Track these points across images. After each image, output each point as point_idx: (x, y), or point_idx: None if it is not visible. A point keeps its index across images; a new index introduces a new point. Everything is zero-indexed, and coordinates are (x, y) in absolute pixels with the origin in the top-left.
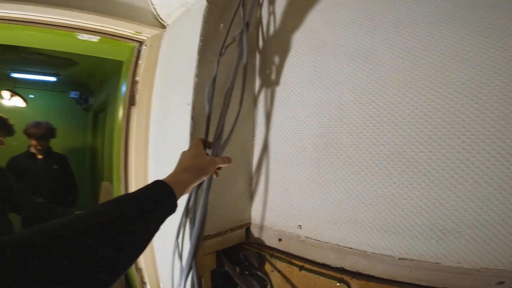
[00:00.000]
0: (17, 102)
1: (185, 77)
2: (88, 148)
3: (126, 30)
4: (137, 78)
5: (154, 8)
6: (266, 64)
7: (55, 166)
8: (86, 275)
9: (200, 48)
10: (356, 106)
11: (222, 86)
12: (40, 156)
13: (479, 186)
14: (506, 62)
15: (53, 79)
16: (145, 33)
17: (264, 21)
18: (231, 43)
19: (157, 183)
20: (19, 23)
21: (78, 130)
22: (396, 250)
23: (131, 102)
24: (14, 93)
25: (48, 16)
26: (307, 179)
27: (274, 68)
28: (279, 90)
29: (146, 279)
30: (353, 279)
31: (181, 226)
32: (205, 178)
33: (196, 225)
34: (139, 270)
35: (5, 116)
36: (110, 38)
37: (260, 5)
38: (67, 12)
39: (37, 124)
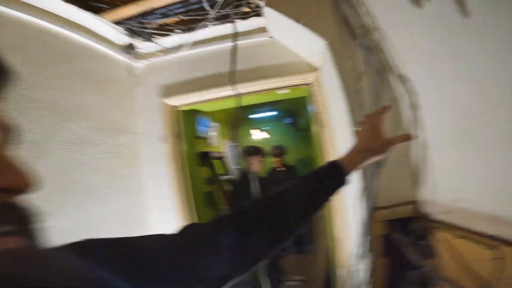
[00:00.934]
0: (264, 135)
1: (340, 103)
2: (305, 158)
3: (298, 81)
4: (318, 109)
5: (303, 60)
6: (400, 77)
7: (291, 173)
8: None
9: (342, 85)
10: (472, 96)
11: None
12: (282, 169)
13: None
14: None
15: (274, 113)
16: (308, 79)
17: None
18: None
19: (330, 164)
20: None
21: (298, 145)
22: None
23: (321, 125)
24: (261, 130)
25: (261, 88)
26: (452, 160)
27: (406, 79)
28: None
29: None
30: (508, 246)
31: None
32: (380, 158)
33: (370, 198)
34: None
35: (260, 145)
36: (293, 87)
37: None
38: (271, 80)
39: (276, 147)
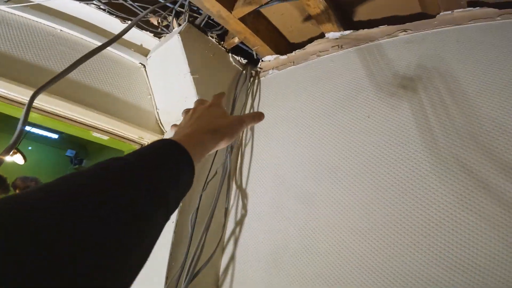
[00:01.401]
0: (17, 159)
1: None
2: None
3: (131, 135)
4: None
5: (157, 113)
6: (241, 189)
7: None
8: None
9: None
10: (297, 238)
11: (205, 210)
12: None
13: None
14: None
15: (55, 136)
16: (146, 138)
17: (243, 144)
18: (213, 176)
19: (167, 143)
20: (45, 114)
21: None
22: None
23: None
24: (17, 150)
25: (70, 113)
26: (259, 280)
27: (247, 193)
28: (248, 215)
29: None
30: None
31: None
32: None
33: None
34: None
35: (4, 176)
36: (118, 139)
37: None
38: (85, 111)
39: (25, 179)
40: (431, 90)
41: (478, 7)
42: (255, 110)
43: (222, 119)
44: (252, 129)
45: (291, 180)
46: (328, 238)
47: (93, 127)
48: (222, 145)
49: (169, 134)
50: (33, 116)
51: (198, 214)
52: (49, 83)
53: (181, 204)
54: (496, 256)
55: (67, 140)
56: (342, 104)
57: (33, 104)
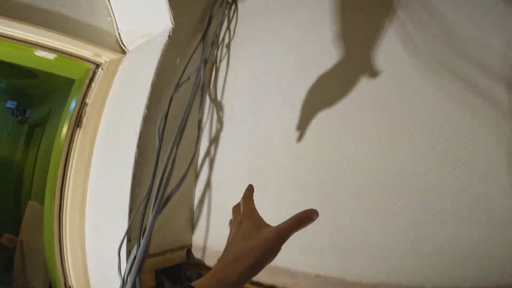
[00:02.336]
0: None
1: (136, 106)
2: (17, 162)
3: (85, 52)
4: (87, 101)
5: (119, 33)
6: (215, 101)
7: None
8: None
9: (154, 81)
10: (283, 142)
11: (176, 122)
12: None
13: (364, 211)
14: None
15: None
16: (104, 56)
17: (219, 60)
18: (185, 81)
19: None
20: None
21: (8, 142)
22: (311, 267)
23: (77, 123)
24: None
25: (6, 29)
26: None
27: (222, 105)
28: (225, 127)
29: None
30: None
31: (122, 244)
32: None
33: (142, 244)
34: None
35: None
36: (67, 57)
37: (218, 45)
38: (27, 27)
39: None
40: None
41: None
42: (232, 28)
43: (254, 238)
44: (229, 46)
45: (273, 81)
46: (319, 138)
47: (37, 44)
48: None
49: (132, 52)
50: None
51: (167, 125)
52: None
53: (146, 111)
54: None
55: (6, 90)
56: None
57: None
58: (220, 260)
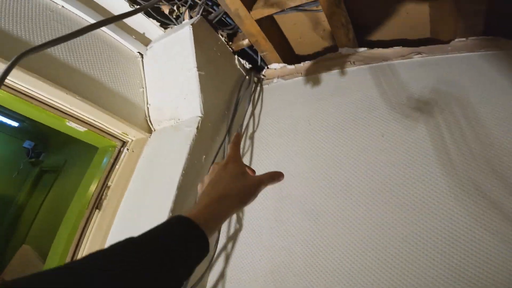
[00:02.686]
0: None
1: (161, 203)
2: (18, 204)
3: (115, 129)
4: (109, 183)
5: (147, 108)
6: None
7: None
8: None
9: (180, 183)
10: (302, 256)
11: None
12: None
13: None
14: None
15: (15, 124)
16: (131, 135)
17: (242, 152)
18: None
19: (179, 220)
20: (17, 93)
21: (16, 182)
22: None
23: (96, 206)
24: None
25: (44, 95)
26: None
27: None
28: (243, 229)
29: None
30: None
31: None
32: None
33: None
34: None
35: None
36: (97, 132)
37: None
38: (63, 95)
39: None
40: (447, 114)
41: (491, 36)
42: (257, 118)
43: (238, 180)
44: (252, 139)
45: (297, 194)
46: (338, 255)
47: (70, 115)
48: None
49: (159, 135)
50: (1, 96)
51: None
52: (33, 49)
53: (172, 205)
54: None
55: (27, 130)
56: (354, 120)
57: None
58: (205, 194)
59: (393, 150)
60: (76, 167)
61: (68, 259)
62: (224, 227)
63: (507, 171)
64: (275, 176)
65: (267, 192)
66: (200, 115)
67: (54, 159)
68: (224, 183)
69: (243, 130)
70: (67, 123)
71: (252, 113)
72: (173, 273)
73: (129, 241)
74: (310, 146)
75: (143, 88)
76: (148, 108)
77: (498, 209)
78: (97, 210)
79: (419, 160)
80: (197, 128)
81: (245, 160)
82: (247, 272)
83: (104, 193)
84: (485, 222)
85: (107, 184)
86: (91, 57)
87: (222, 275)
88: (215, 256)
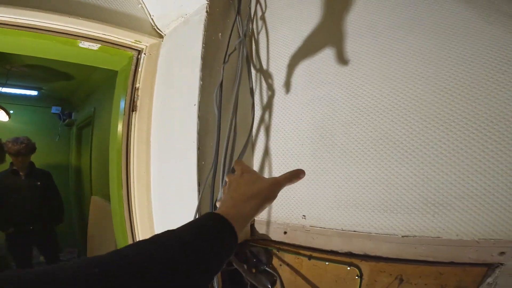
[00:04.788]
0: (1, 116)
1: (189, 81)
2: (73, 163)
3: (127, 39)
4: (137, 85)
5: (152, 19)
6: (262, 71)
7: (39, 183)
8: None
9: (203, 54)
10: (344, 100)
11: (228, 92)
12: (22, 173)
13: (458, 159)
14: (459, 58)
15: (34, 93)
16: (144, 42)
17: (257, 32)
18: (232, 52)
19: (212, 217)
20: (19, 28)
21: (62, 146)
22: (398, 228)
23: (132, 108)
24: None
25: (52, 23)
26: (307, 170)
27: (270, 73)
28: (277, 93)
29: None
30: (362, 262)
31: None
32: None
33: None
34: None
35: None
36: (111, 46)
37: (252, 19)
38: (71, 19)
39: (15, 140)
40: None
41: None
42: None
43: (259, 183)
44: (263, 18)
45: (325, 45)
46: (386, 88)
47: (80, 36)
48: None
49: (171, 35)
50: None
51: (223, 95)
52: None
53: (200, 82)
54: None
55: (48, 96)
56: None
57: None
58: (228, 198)
59: None
60: (105, 109)
61: (123, 171)
62: (257, 96)
63: None
64: (292, 177)
65: (292, 48)
66: (206, 2)
67: (84, 113)
68: (245, 187)
69: (251, 12)
70: (80, 44)
71: None
72: (207, 265)
73: (172, 236)
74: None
75: (140, 3)
76: (152, 19)
77: None
78: (133, 113)
79: None
80: (206, 11)
81: (261, 44)
82: (291, 136)
83: (135, 95)
84: None
85: (135, 86)
86: None
87: (266, 151)
88: (254, 130)
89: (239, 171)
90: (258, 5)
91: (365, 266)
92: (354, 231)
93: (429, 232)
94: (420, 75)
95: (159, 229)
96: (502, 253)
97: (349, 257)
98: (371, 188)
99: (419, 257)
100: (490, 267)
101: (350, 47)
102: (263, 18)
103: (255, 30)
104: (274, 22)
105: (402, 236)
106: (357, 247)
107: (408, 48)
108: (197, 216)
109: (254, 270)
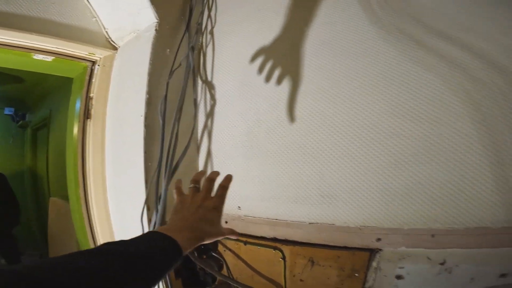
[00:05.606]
0: None
1: (137, 94)
2: (28, 165)
3: (81, 52)
4: (91, 95)
5: (106, 32)
6: (207, 82)
7: None
8: None
9: (150, 70)
10: (267, 111)
11: (174, 103)
12: None
13: (343, 160)
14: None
15: None
16: (98, 54)
17: (205, 45)
18: (178, 67)
19: (154, 233)
20: None
21: (16, 148)
22: (306, 216)
23: (87, 116)
24: None
25: (7, 38)
26: (239, 169)
27: (214, 84)
28: (218, 103)
29: None
30: (283, 246)
31: (143, 212)
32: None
33: (159, 209)
34: None
35: None
36: (65, 58)
37: (202, 33)
38: (25, 34)
39: None
40: None
41: None
42: (213, 16)
43: (209, 225)
44: (212, 33)
45: (257, 61)
46: (299, 104)
47: (35, 49)
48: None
49: (124, 48)
50: None
51: (168, 106)
52: None
53: (147, 95)
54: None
55: (1, 98)
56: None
57: None
58: (178, 219)
59: None
60: (61, 111)
61: (79, 173)
62: (202, 105)
63: (423, 11)
64: (234, 233)
65: (233, 64)
66: (156, 20)
67: (39, 114)
68: (196, 221)
69: (202, 27)
70: (34, 57)
71: (209, 11)
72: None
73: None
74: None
75: (95, 17)
76: (107, 32)
77: (418, 42)
78: (88, 120)
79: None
80: (156, 30)
81: (209, 48)
82: (227, 141)
83: (90, 103)
84: (410, 54)
85: (89, 95)
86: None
87: (209, 153)
88: (199, 135)
89: (201, 197)
90: (209, 20)
91: (286, 249)
92: (276, 219)
93: (327, 220)
94: (324, 90)
95: (116, 225)
96: (378, 239)
97: (274, 242)
98: (285, 184)
99: (323, 241)
100: (372, 252)
101: (275, 64)
102: (211, 32)
103: (204, 44)
104: (221, 36)
105: (309, 223)
106: (279, 233)
107: (316, 67)
108: (145, 209)
109: (204, 257)
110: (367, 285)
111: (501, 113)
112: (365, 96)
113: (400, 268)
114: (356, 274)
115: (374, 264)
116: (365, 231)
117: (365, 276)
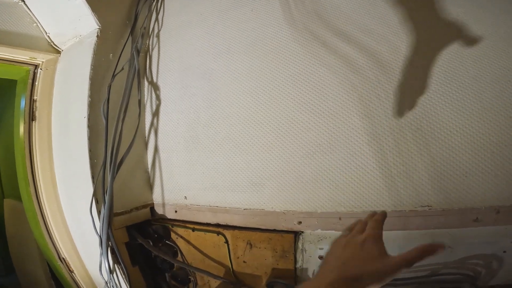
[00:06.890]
0: None
1: (80, 96)
2: None
3: (21, 57)
4: (35, 97)
5: (48, 36)
6: (153, 83)
7: None
8: None
9: (92, 75)
10: (205, 109)
11: (117, 104)
12: None
13: (264, 149)
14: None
15: None
16: (40, 58)
17: (151, 48)
18: (120, 71)
19: None
20: None
21: None
22: (241, 203)
23: (31, 118)
24: None
25: None
26: (183, 162)
27: (159, 85)
28: (163, 102)
29: (72, 267)
30: (225, 230)
31: (92, 205)
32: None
33: (106, 201)
34: (63, 260)
35: None
36: (5, 63)
37: (149, 36)
38: None
39: None
40: None
41: None
42: (160, 20)
43: (374, 262)
44: (158, 36)
45: (195, 64)
46: (229, 102)
47: None
48: None
49: (67, 52)
50: None
51: (113, 106)
52: None
53: (89, 99)
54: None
55: None
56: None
57: None
58: (332, 268)
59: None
60: (8, 112)
61: (29, 173)
62: (148, 105)
63: (332, 18)
64: (430, 249)
65: (175, 68)
66: (98, 27)
67: None
68: (360, 264)
69: (149, 31)
70: None
71: (157, 17)
72: None
73: None
74: (205, 32)
75: (35, 23)
76: (49, 36)
77: (328, 46)
78: (33, 122)
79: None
80: (97, 36)
81: (154, 52)
82: (172, 138)
83: (34, 106)
84: (320, 57)
85: (33, 98)
86: None
87: (156, 149)
88: (146, 133)
89: (364, 236)
90: (156, 23)
91: (228, 233)
92: (217, 206)
93: (257, 205)
94: (251, 89)
95: (69, 219)
96: (299, 222)
97: (217, 227)
98: (221, 173)
99: (256, 225)
100: (296, 234)
101: (210, 66)
102: (158, 35)
103: (150, 47)
104: (167, 39)
105: (244, 209)
106: (221, 219)
107: (245, 68)
108: (93, 202)
109: (160, 245)
110: (297, 265)
111: (381, 105)
112: (282, 94)
113: (320, 249)
114: (287, 255)
115: (299, 245)
116: (288, 215)
117: (295, 257)
